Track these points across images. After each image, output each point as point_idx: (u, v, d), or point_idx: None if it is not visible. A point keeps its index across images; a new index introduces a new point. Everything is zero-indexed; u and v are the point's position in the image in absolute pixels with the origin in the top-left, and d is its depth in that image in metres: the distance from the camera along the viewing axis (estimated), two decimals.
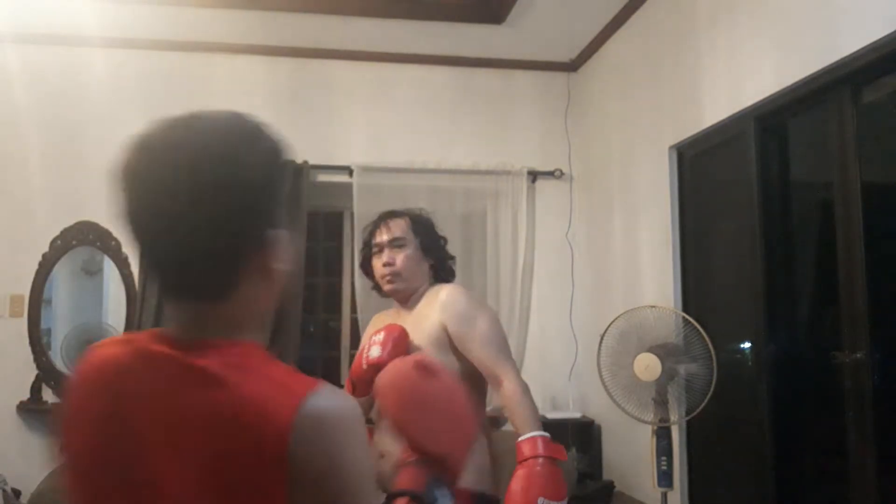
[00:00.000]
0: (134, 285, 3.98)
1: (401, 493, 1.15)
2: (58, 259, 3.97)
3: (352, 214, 4.21)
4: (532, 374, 4.28)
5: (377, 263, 2.04)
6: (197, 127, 0.91)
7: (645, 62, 3.64)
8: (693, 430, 3.21)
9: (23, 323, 3.91)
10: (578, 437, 3.88)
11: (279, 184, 0.97)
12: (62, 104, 4.06)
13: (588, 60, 4.34)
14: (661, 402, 2.85)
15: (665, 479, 2.89)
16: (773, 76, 2.66)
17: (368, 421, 1.96)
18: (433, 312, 1.95)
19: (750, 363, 2.87)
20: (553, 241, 4.42)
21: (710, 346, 2.76)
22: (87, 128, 4.06)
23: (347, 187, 4.17)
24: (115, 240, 4.02)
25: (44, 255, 3.95)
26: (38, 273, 3.94)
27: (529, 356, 4.31)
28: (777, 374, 2.73)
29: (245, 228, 0.90)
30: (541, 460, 1.72)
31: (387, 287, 2.03)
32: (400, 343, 1.87)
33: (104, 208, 4.26)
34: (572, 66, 4.48)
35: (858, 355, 2.32)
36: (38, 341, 3.91)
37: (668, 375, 2.80)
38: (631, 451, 3.63)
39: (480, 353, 1.91)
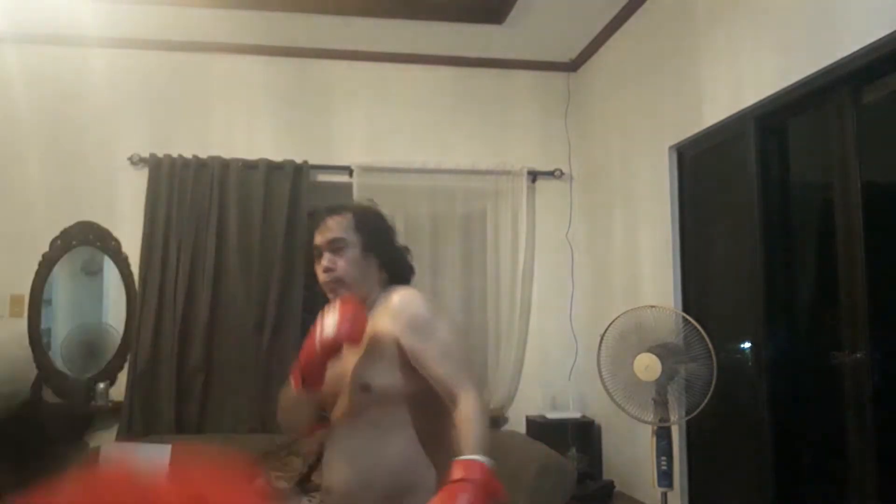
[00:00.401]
0: (134, 285, 3.98)
1: None
2: (58, 259, 3.97)
3: None
4: (532, 374, 4.30)
5: (318, 269, 1.78)
6: None
7: (645, 62, 3.64)
8: (693, 430, 3.21)
9: (23, 323, 3.91)
10: (578, 437, 3.88)
11: None
12: (62, 104, 4.06)
13: (588, 60, 4.33)
14: (661, 402, 2.85)
15: (665, 479, 2.89)
16: (773, 76, 2.66)
17: (324, 419, 1.79)
18: (383, 319, 1.70)
19: (750, 363, 2.87)
20: (553, 241, 4.42)
21: (710, 346, 2.76)
22: (87, 128, 4.06)
23: (347, 187, 4.17)
24: (115, 240, 4.03)
25: (44, 255, 3.95)
26: (38, 273, 3.94)
27: (529, 356, 4.31)
28: (777, 374, 2.73)
29: None
30: (470, 486, 1.38)
31: (330, 296, 1.76)
32: (359, 318, 1.63)
33: (104, 208, 4.26)
34: (572, 66, 4.48)
35: (858, 355, 2.33)
36: (38, 341, 3.91)
37: (668, 375, 2.80)
38: (631, 451, 3.63)
39: (438, 370, 1.61)
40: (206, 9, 3.71)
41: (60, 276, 4.01)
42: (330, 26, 3.96)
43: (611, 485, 3.70)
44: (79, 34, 3.95)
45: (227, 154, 4.08)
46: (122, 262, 4.01)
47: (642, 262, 3.63)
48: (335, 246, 1.75)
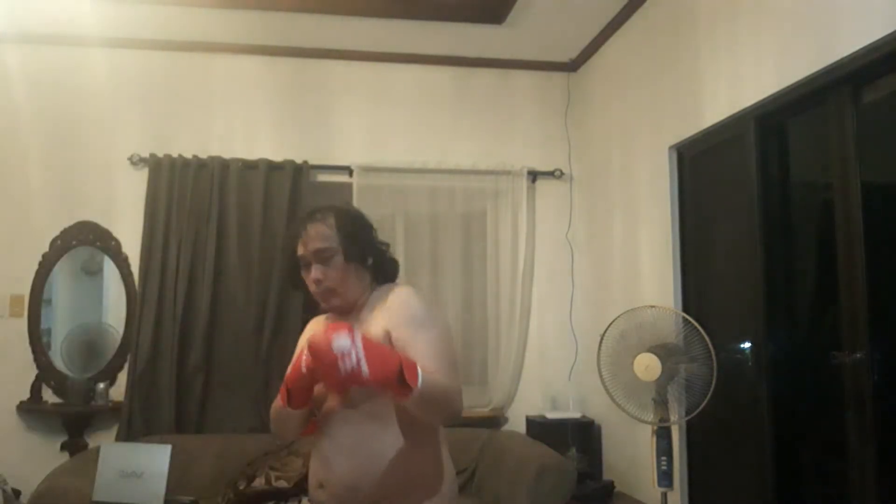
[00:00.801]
0: (134, 285, 3.98)
1: None
2: (58, 259, 3.98)
3: None
4: (532, 374, 4.31)
5: (307, 279, 1.76)
6: None
7: (645, 62, 3.64)
8: (693, 430, 3.21)
9: (23, 323, 3.91)
10: (578, 437, 3.88)
11: None
12: (62, 104, 4.06)
13: (588, 60, 4.34)
14: (661, 402, 2.85)
15: (665, 479, 2.89)
16: (773, 76, 2.66)
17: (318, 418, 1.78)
18: (377, 317, 1.71)
19: (750, 363, 2.86)
20: (553, 241, 4.42)
21: (710, 346, 2.76)
22: (87, 128, 4.07)
23: (347, 187, 4.18)
24: (115, 240, 4.03)
25: (44, 255, 3.95)
26: (38, 273, 3.94)
27: (529, 356, 4.32)
28: (777, 374, 2.73)
29: None
30: (384, 346, 1.51)
31: (324, 305, 1.79)
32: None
33: (104, 208, 4.27)
34: (572, 67, 4.48)
35: (858, 355, 2.32)
36: (38, 341, 3.91)
37: (668, 375, 2.80)
38: (631, 451, 3.63)
39: (424, 366, 1.54)
40: (206, 9, 3.71)
41: (60, 275, 4.01)
42: (330, 26, 3.96)
43: (611, 485, 3.70)
44: (79, 34, 3.96)
45: (227, 154, 4.08)
46: (121, 262, 4.02)
47: (642, 263, 3.63)
48: (322, 256, 1.73)
